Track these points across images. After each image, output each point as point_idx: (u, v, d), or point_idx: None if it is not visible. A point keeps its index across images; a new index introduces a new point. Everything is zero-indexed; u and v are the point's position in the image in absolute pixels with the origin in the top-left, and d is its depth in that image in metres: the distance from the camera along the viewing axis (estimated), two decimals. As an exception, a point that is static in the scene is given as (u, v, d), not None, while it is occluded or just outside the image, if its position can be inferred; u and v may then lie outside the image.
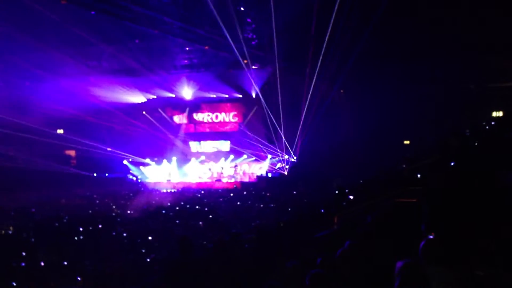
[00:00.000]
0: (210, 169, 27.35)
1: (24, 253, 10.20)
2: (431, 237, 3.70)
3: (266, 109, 25.26)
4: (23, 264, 9.52)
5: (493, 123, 13.53)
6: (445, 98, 20.28)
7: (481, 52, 18.88)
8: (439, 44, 19.01)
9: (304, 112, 22.18)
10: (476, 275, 3.14)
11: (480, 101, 20.28)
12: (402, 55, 19.58)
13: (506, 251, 3.29)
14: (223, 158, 27.32)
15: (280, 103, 22.88)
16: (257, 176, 25.53)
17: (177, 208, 16.50)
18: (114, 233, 12.53)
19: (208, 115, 28.37)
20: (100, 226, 13.37)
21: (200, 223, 13.49)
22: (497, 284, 3.07)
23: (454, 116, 19.12)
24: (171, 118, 29.00)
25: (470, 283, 3.10)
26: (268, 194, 19.79)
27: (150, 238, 11.65)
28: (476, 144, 9.05)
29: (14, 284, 8.36)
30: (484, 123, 14.88)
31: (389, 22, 17.37)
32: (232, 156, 27.12)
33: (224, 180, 26.29)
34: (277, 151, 25.13)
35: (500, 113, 19.41)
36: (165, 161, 27.95)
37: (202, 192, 22.47)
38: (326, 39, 18.47)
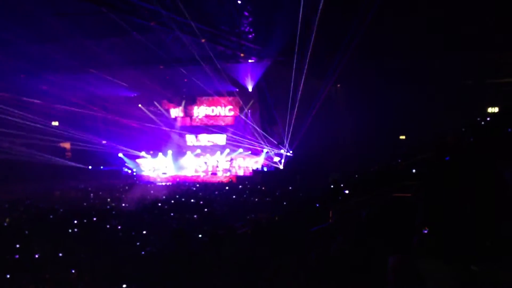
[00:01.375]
0: (205, 163, 27.35)
1: (18, 245, 10.18)
2: (426, 232, 3.70)
3: (263, 103, 25.27)
4: (17, 256, 9.51)
5: (488, 118, 13.56)
6: (441, 93, 20.31)
7: (478, 47, 18.89)
8: (435, 39, 19.01)
9: (300, 106, 22.16)
10: (471, 270, 3.14)
11: (477, 97, 20.33)
12: (399, 50, 19.56)
13: (501, 247, 3.29)
14: (219, 152, 27.33)
15: (276, 97, 22.85)
16: (253, 170, 25.55)
17: (172, 201, 16.50)
18: (108, 226, 12.52)
19: (205, 109, 28.32)
20: (95, 219, 13.35)
21: (195, 216, 13.50)
22: (492, 279, 3.08)
23: (450, 111, 19.15)
24: (167, 111, 28.94)
25: (464, 278, 3.10)
26: (263, 188, 19.81)
27: (144, 232, 11.64)
28: (472, 139, 9.06)
29: (8, 276, 8.35)
30: (479, 119, 14.92)
31: (386, 17, 17.34)
32: (228, 150, 27.13)
33: (220, 173, 26.30)
34: (273, 145, 25.14)
35: (496, 109, 19.47)
36: (160, 154, 27.92)
37: (198, 185, 22.48)
38: (323, 33, 18.42)
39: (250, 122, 26.58)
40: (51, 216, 14.03)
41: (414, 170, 9.67)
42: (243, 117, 27.16)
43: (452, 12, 16.83)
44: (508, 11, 16.02)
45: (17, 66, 22.66)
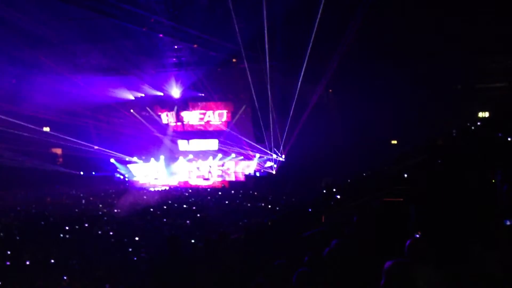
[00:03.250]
0: (198, 168, 27.29)
1: (9, 252, 10.11)
2: (418, 236, 3.73)
3: (255, 108, 25.28)
4: (8, 262, 9.44)
5: (479, 123, 13.68)
6: (432, 98, 20.43)
7: (468, 53, 19.05)
8: (426, 44, 19.15)
9: (293, 112, 22.22)
10: (463, 274, 3.16)
11: (467, 102, 20.49)
12: (390, 55, 19.67)
13: (493, 250, 3.32)
14: (211, 157, 27.27)
15: (268, 102, 22.88)
16: (245, 175, 25.53)
17: (165, 207, 16.45)
18: (100, 232, 12.47)
19: (197, 114, 28.28)
20: (86, 225, 13.29)
21: (188, 222, 13.48)
22: (484, 283, 3.10)
23: (441, 116, 19.28)
24: (159, 117, 28.86)
25: (456, 282, 3.12)
26: (256, 193, 19.81)
27: (137, 238, 11.59)
28: (462, 144, 9.14)
29: (0, 283, 8.29)
30: (468, 124, 15.05)
31: (377, 22, 17.46)
32: (220, 155, 27.08)
33: (212, 179, 26.26)
34: (266, 150, 25.15)
35: (486, 114, 19.62)
36: (152, 159, 27.83)
37: (190, 190, 22.42)
38: (315, 39, 18.50)
39: (242, 127, 26.58)
40: (42, 223, 13.95)
41: (405, 175, 9.73)
42: (235, 122, 27.17)
43: (444, 17, 16.97)
44: (498, 17, 16.20)
45: (8, 71, 22.55)
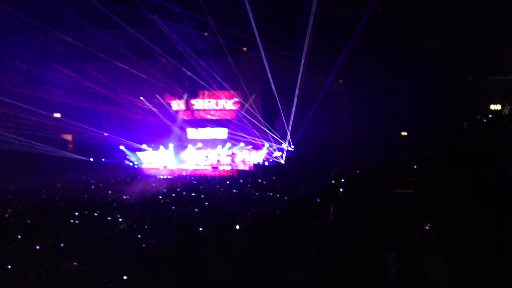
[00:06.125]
0: (207, 156, 27.34)
1: (19, 236, 10.21)
2: (427, 227, 3.70)
3: (265, 97, 25.24)
4: (18, 247, 9.54)
5: (490, 115, 13.55)
6: (443, 90, 20.28)
7: (481, 45, 18.85)
8: (438, 35, 18.96)
9: (303, 101, 22.14)
10: (472, 266, 3.15)
11: (479, 94, 20.31)
12: (402, 46, 19.52)
13: (503, 243, 3.30)
14: (220, 146, 27.30)
15: (278, 91, 22.81)
16: (254, 164, 25.54)
17: (173, 194, 16.52)
18: (109, 218, 12.56)
19: (207, 102, 28.28)
20: (96, 212, 13.38)
21: (196, 210, 13.53)
22: (493, 276, 3.08)
23: (452, 108, 19.14)
24: (169, 104, 28.90)
25: (465, 274, 3.11)
26: (264, 182, 19.81)
27: (146, 225, 11.68)
28: (473, 136, 9.04)
29: (9, 266, 8.38)
30: (479, 117, 14.91)
31: (388, 12, 17.30)
32: (229, 144, 27.10)
33: (221, 167, 26.30)
34: (275, 140, 25.13)
35: (498, 106, 19.45)
36: (162, 147, 27.91)
37: (199, 178, 22.48)
38: (325, 28, 18.38)
39: (252, 116, 26.56)
40: (52, 208, 14.07)
41: (415, 166, 9.67)
42: (245, 111, 27.13)
43: (456, 8, 16.79)
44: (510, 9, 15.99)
45: (20, 56, 22.66)
